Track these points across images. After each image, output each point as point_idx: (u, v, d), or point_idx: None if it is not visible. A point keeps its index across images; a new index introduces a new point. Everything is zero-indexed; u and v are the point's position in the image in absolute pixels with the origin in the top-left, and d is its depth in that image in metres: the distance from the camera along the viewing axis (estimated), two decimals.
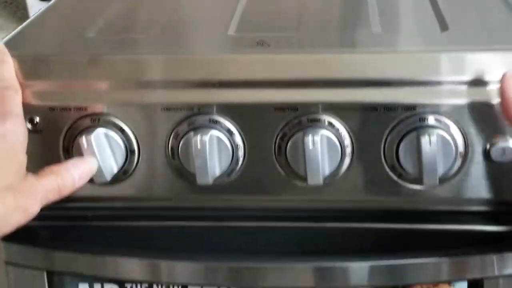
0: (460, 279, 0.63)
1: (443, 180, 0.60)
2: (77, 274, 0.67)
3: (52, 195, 0.57)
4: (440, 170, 0.59)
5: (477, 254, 0.62)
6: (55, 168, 0.59)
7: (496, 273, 0.62)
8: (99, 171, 0.60)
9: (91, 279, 0.68)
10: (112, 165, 0.61)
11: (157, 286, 0.68)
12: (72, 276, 0.68)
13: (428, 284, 0.64)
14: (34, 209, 0.56)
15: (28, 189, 0.56)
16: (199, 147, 0.59)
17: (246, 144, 0.61)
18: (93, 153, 0.60)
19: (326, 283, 0.62)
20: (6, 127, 0.57)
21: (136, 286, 0.68)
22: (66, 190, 0.58)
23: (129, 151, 0.62)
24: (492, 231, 0.63)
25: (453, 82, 0.59)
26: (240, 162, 0.62)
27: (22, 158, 0.58)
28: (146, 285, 0.68)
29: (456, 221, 0.63)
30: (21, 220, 0.55)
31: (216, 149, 0.60)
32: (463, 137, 0.59)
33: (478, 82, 0.59)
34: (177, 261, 0.64)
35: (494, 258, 0.62)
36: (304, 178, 0.60)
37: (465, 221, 0.63)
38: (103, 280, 0.68)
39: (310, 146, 0.58)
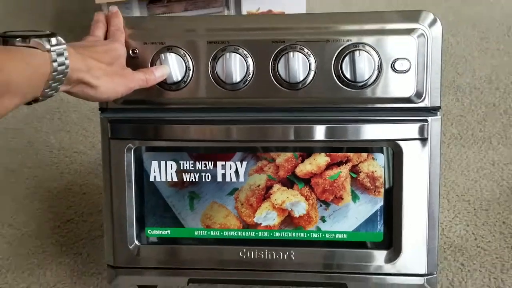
0: (380, 140, 0.66)
1: (368, 85, 0.64)
2: (156, 148, 0.69)
3: (142, 83, 0.62)
4: (366, 75, 0.63)
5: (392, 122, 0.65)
6: (144, 68, 0.64)
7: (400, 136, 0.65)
8: (170, 75, 0.65)
9: (159, 157, 0.69)
10: (177, 74, 0.65)
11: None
12: (149, 151, 0.69)
13: (358, 155, 0.67)
14: (131, 85, 0.60)
15: (127, 74, 0.61)
16: (228, 61, 0.64)
17: (254, 63, 0.65)
18: (167, 63, 0.65)
19: (300, 137, 0.66)
20: (115, 46, 0.62)
21: (186, 163, 0.69)
22: (150, 82, 0.63)
23: (187, 68, 0.66)
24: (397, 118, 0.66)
25: (372, 30, 0.64)
26: (250, 75, 0.65)
27: (123, 61, 0.62)
28: (193, 163, 0.69)
29: (379, 113, 0.66)
30: (124, 91, 0.60)
31: (238, 64, 0.65)
32: (378, 56, 0.64)
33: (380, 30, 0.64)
34: (218, 125, 0.66)
35: (399, 127, 0.65)
36: (287, 82, 0.65)
37: (383, 114, 0.66)
38: (166, 159, 0.69)
39: (291, 57, 0.63)
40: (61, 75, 0.51)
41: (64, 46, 0.52)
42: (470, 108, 1.28)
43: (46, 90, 0.51)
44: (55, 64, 0.50)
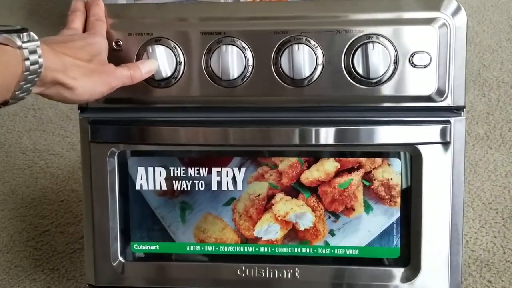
0: (397, 144, 0.66)
1: (383, 82, 0.64)
2: (143, 152, 0.70)
3: (126, 80, 0.62)
4: (381, 70, 0.63)
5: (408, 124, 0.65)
6: (128, 63, 0.63)
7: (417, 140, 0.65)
8: (158, 70, 0.64)
9: (146, 163, 0.70)
10: (166, 69, 0.65)
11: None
12: (135, 155, 0.70)
13: (371, 160, 0.68)
14: (114, 84, 0.60)
15: (109, 71, 0.60)
16: (224, 54, 0.64)
17: (253, 56, 0.65)
18: (155, 57, 0.64)
19: (306, 141, 0.66)
20: (95, 39, 0.61)
21: (177, 169, 0.70)
22: (136, 79, 0.62)
23: (178, 62, 0.66)
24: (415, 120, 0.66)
25: (388, 20, 0.64)
26: (249, 70, 0.65)
27: (104, 56, 0.61)
28: (184, 170, 0.70)
29: (396, 114, 0.66)
30: (105, 91, 0.59)
31: (235, 58, 0.64)
32: (394, 49, 0.64)
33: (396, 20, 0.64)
34: (212, 127, 0.67)
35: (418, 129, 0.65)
36: (291, 78, 0.65)
37: (399, 114, 0.66)
38: (154, 165, 0.70)
39: (296, 49, 0.63)
40: (34, 76, 0.51)
41: (38, 42, 0.52)
42: (498, 105, 1.28)
43: (16, 93, 0.51)
44: (27, 62, 0.50)
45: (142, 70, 0.63)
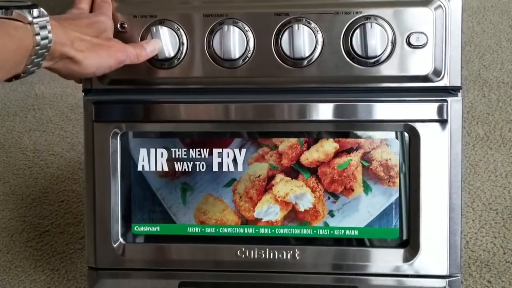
0: (394, 120, 0.68)
1: (381, 62, 0.67)
2: (145, 133, 0.71)
3: (133, 57, 0.64)
4: (378, 50, 0.66)
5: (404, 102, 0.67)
6: (134, 43, 0.66)
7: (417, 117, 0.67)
8: (161, 50, 0.67)
9: (148, 144, 0.71)
10: (169, 49, 0.68)
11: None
12: (137, 137, 0.71)
13: (370, 141, 0.69)
14: (122, 58, 0.62)
15: (116, 46, 0.63)
16: (226, 34, 0.67)
17: (254, 37, 0.68)
18: (159, 38, 0.67)
19: (305, 116, 0.68)
20: (100, 18, 0.64)
21: (179, 150, 0.71)
22: (142, 57, 0.65)
23: (181, 43, 0.68)
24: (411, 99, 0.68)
25: (385, 1, 0.67)
26: (250, 51, 0.68)
27: (110, 34, 0.65)
28: (186, 151, 0.71)
29: (394, 94, 0.68)
30: (112, 64, 0.61)
31: (237, 39, 0.67)
32: (392, 30, 0.66)
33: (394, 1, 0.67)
34: (213, 104, 0.69)
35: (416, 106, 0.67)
36: (292, 58, 0.67)
37: (397, 95, 0.68)
38: (156, 146, 0.71)
39: (296, 29, 0.66)
40: (44, 50, 0.53)
41: (47, 18, 0.54)
42: (498, 106, 1.30)
43: (28, 66, 0.53)
44: (38, 37, 0.52)
45: (147, 49, 0.66)
